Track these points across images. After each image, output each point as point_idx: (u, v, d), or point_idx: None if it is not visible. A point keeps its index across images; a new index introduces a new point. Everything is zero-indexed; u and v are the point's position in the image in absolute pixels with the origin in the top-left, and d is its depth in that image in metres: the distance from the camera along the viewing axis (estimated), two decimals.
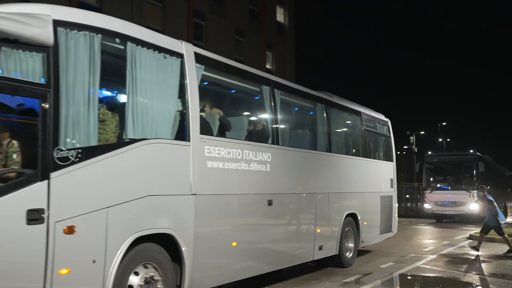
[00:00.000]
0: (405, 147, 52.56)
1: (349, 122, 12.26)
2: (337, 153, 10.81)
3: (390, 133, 14.38)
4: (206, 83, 7.69)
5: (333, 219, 10.36)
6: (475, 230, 18.11)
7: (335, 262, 10.71)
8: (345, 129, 11.76)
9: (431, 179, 27.46)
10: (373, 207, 12.46)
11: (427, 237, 18.64)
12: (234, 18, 30.20)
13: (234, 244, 7.43)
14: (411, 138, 47.92)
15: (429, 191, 26.37)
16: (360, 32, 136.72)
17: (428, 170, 27.38)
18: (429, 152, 28.11)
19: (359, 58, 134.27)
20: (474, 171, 25.81)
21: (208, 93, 7.98)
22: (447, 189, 26.52)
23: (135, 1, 23.29)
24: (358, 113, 12.39)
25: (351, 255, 11.24)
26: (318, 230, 9.75)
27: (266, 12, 33.71)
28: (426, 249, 14.11)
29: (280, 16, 35.92)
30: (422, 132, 50.91)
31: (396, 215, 14.09)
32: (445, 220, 27.06)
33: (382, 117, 14.18)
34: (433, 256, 12.64)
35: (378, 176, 12.97)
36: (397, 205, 14.34)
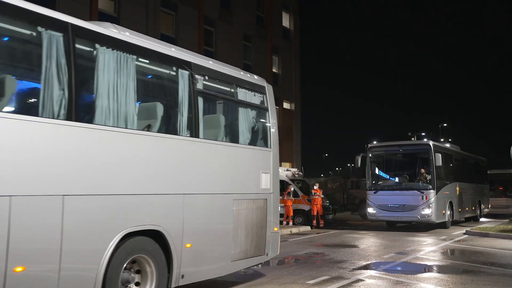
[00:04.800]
0: None
1: (158, 77, 6.54)
2: (104, 125, 5.27)
3: (267, 105, 8.15)
4: None
5: (75, 244, 4.85)
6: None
7: None
8: (139, 88, 5.82)
9: (376, 176, 19.13)
10: (213, 218, 6.77)
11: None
12: (241, 24, 28.68)
13: None
14: (412, 139, 44.84)
15: (373, 191, 18.26)
16: (365, 36, 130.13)
17: (373, 165, 18.90)
18: (374, 142, 19.41)
19: (363, 61, 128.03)
20: (429, 165, 17.69)
21: None
22: (395, 189, 18.32)
23: (150, 11, 22.13)
24: (183, 64, 6.44)
25: None
26: (20, 269, 4.32)
27: (272, 17, 31.74)
28: None
29: (285, 21, 34.02)
30: (423, 134, 47.77)
31: (276, 229, 8.09)
32: (399, 225, 19.62)
33: (254, 79, 8.11)
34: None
35: (231, 168, 7.24)
36: (278, 212, 8.34)
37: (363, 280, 8.23)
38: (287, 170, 21.88)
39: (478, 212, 23.65)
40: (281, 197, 19.87)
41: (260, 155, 7.89)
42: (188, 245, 6.21)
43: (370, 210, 18.40)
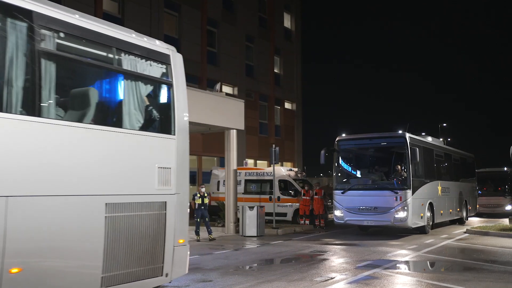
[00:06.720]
0: None
1: None
2: None
3: (171, 79, 6.14)
4: None
5: None
6: None
7: None
8: None
9: (345, 173, 16.27)
10: (67, 228, 4.86)
11: None
12: (244, 25, 28.18)
13: None
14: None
15: (341, 191, 15.37)
16: (367, 36, 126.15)
17: (341, 161, 15.88)
18: (343, 135, 16.04)
19: (365, 61, 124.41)
20: (405, 161, 14.73)
21: None
22: (365, 189, 15.29)
23: (153, 12, 21.90)
24: (16, 12, 4.60)
25: None
26: None
27: (274, 18, 31.07)
28: None
29: (287, 22, 33.27)
30: (423, 134, 44.53)
31: (182, 240, 6.13)
32: (371, 230, 16.39)
33: (153, 45, 6.13)
34: None
35: (104, 161, 5.30)
36: (186, 218, 6.36)
37: (369, 278, 8.19)
38: (290, 169, 21.00)
39: (464, 213, 20.40)
40: (295, 197, 19.22)
41: (156, 144, 5.83)
42: (15, 270, 4.25)
43: (337, 213, 15.44)
